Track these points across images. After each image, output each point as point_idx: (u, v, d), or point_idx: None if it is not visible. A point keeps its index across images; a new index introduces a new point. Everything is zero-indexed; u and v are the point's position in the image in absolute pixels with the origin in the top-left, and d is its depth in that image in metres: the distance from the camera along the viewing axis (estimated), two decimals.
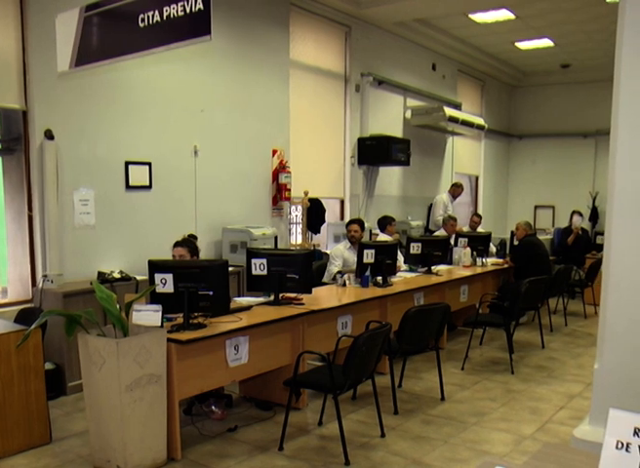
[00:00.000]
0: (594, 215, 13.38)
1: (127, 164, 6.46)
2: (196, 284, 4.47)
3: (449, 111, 10.65)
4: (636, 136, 2.80)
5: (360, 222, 7.29)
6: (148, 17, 4.33)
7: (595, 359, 3.49)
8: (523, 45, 11.69)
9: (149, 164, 6.66)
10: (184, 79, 7.02)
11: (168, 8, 4.20)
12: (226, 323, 4.60)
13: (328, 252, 7.80)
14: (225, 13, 7.23)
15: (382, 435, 4.73)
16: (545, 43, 11.47)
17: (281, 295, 5.43)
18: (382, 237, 8.44)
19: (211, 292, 4.50)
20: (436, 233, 9.81)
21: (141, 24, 4.38)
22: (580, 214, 11.33)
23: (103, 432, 4.05)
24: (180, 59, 6.72)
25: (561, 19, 9.99)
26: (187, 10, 4.08)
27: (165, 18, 4.23)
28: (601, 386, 2.94)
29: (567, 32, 10.67)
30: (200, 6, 4.01)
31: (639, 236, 2.80)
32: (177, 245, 5.36)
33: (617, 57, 2.84)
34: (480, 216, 10.57)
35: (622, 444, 1.46)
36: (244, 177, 7.75)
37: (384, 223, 8.74)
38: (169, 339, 4.16)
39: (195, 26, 4.06)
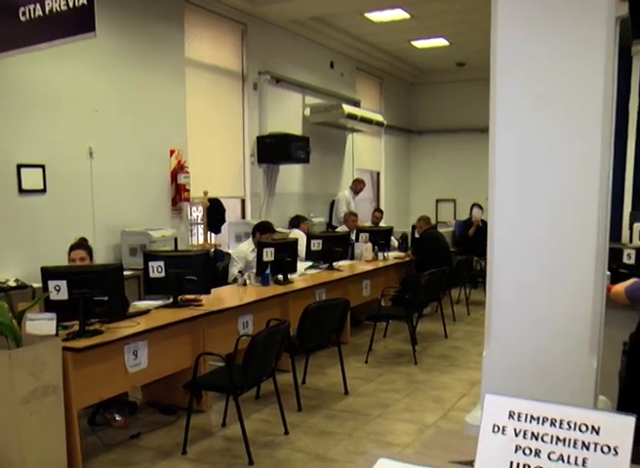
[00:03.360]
0: None
1: (19, 167, 6.18)
2: (91, 289, 4.34)
3: (347, 108, 10.73)
4: (507, 132, 2.94)
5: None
6: (30, 10, 4.16)
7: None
8: (419, 44, 11.90)
9: (43, 167, 6.41)
10: (76, 78, 6.79)
11: (50, 1, 4.05)
12: (124, 328, 4.49)
13: (230, 251, 7.73)
14: (115, 9, 7.03)
15: (286, 432, 4.72)
16: (441, 42, 11.71)
17: (180, 297, 5.35)
18: (295, 234, 8.50)
19: (106, 298, 4.38)
20: (338, 229, 9.91)
21: (23, 18, 4.21)
22: (480, 207, 11.65)
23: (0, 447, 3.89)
24: (71, 57, 6.50)
25: (455, 20, 10.21)
26: (70, 4, 3.94)
27: (47, 12, 4.08)
28: (489, 372, 3.03)
29: (461, 32, 10.91)
30: (83, 0, 3.89)
31: (517, 227, 2.93)
32: (75, 247, 5.18)
33: (492, 55, 2.94)
34: (381, 212, 10.76)
35: (499, 427, 1.50)
36: (142, 179, 7.57)
37: (297, 222, 9.00)
38: (64, 348, 4.01)
39: (79, 22, 3.93)
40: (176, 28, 8.00)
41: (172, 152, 7.90)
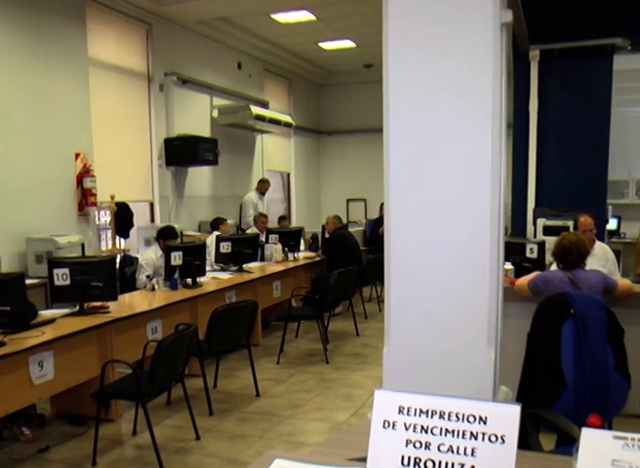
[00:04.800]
0: None
1: None
2: None
3: (256, 110, 10.73)
4: (398, 136, 3.04)
5: None
6: None
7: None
8: (326, 45, 11.98)
9: None
10: None
11: None
12: (28, 338, 4.36)
13: (138, 256, 7.61)
14: (10, 5, 6.78)
15: (197, 437, 4.70)
16: (347, 44, 11.83)
17: (86, 305, 5.23)
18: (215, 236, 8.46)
19: (8, 308, 4.27)
20: (248, 231, 9.91)
21: None
22: None
23: None
24: None
25: (359, 22, 10.31)
26: None
27: None
28: (389, 369, 3.10)
29: (366, 34, 11.00)
30: None
31: (412, 227, 3.02)
32: None
33: (384, 60, 3.04)
34: (286, 218, 10.92)
35: (389, 423, 1.54)
36: (46, 183, 7.33)
37: (217, 223, 8.97)
38: None
39: None
40: (77, 26, 7.76)
41: (77, 155, 7.70)
